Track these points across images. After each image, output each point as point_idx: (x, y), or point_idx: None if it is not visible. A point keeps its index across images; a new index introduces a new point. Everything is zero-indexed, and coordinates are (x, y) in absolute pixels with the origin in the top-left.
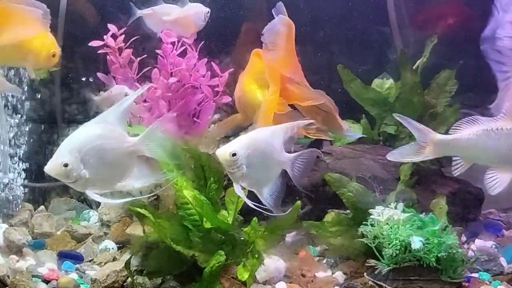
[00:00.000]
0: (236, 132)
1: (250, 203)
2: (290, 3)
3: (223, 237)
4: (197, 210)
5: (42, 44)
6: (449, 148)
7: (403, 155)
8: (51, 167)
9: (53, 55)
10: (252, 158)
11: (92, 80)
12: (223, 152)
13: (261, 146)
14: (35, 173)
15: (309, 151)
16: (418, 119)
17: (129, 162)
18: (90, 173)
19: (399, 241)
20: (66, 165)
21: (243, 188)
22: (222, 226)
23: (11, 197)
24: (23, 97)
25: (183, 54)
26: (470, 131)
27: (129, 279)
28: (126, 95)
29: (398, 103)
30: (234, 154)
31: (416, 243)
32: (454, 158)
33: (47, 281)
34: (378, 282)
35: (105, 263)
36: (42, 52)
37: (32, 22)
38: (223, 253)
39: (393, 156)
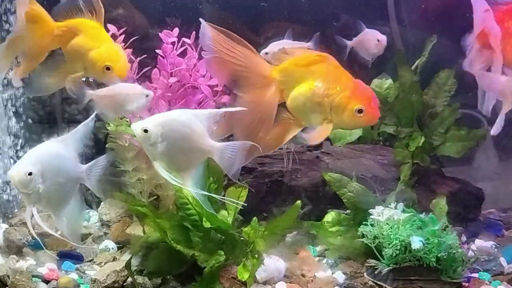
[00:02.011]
0: None
1: (170, 179)
2: (290, 3)
3: (223, 237)
4: (196, 210)
5: (99, 55)
6: None
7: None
8: (16, 173)
9: (107, 69)
10: (167, 138)
11: (92, 80)
12: (136, 127)
13: (177, 127)
14: None
15: (241, 143)
16: (417, 118)
17: (74, 188)
18: (43, 189)
19: (399, 241)
20: (30, 174)
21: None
22: (222, 226)
23: (10, 197)
24: (23, 97)
25: (183, 54)
26: None
27: (129, 279)
28: (147, 96)
29: (398, 103)
30: (146, 131)
31: (416, 243)
32: None
33: (47, 281)
34: (378, 282)
35: (105, 263)
36: (96, 64)
37: (98, 32)
38: (223, 253)
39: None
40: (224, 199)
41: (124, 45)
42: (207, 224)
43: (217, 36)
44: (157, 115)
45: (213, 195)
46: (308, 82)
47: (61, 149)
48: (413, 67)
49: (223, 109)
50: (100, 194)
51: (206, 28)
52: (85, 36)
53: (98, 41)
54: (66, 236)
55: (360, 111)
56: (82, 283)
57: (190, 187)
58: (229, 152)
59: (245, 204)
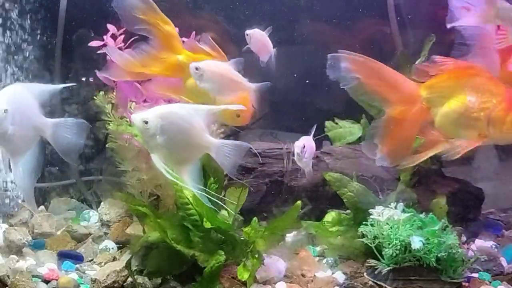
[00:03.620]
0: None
1: (167, 174)
2: (290, 3)
3: (223, 237)
4: (197, 210)
5: (230, 103)
6: None
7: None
8: None
9: (237, 116)
10: (166, 131)
11: (92, 80)
12: (136, 117)
13: (177, 121)
14: None
15: (240, 143)
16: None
17: (36, 137)
18: (12, 129)
19: (399, 241)
20: (5, 111)
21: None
22: (222, 226)
23: (11, 197)
24: None
25: None
26: None
27: (129, 279)
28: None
29: None
30: (146, 122)
31: (416, 243)
32: None
33: (47, 281)
34: (378, 282)
35: (105, 263)
36: (227, 110)
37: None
38: (223, 253)
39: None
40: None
41: (124, 45)
42: (207, 225)
43: (357, 61)
44: (158, 107)
45: (208, 191)
46: (459, 97)
47: (29, 95)
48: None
49: (223, 106)
50: (68, 159)
51: (340, 59)
52: None
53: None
54: (19, 187)
55: None
56: (82, 283)
57: (186, 182)
58: (226, 150)
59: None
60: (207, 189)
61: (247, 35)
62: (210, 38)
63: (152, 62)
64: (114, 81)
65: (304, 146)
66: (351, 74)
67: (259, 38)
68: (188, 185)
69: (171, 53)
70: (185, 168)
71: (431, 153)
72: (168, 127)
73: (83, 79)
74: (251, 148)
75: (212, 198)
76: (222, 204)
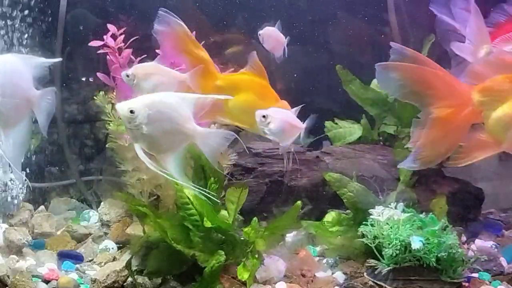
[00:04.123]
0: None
1: (149, 165)
2: (290, 3)
3: (223, 236)
4: (197, 209)
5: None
6: None
7: None
8: None
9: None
10: (153, 120)
11: (92, 80)
12: (122, 107)
13: (165, 110)
14: (36, 173)
15: (225, 132)
16: (417, 118)
17: (26, 109)
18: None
19: (399, 241)
20: None
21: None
22: (222, 225)
23: (10, 197)
24: None
25: None
26: None
27: (129, 279)
28: None
29: (398, 103)
30: (132, 111)
31: (416, 243)
32: None
33: (47, 281)
34: (378, 282)
35: (105, 263)
36: (253, 120)
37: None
38: (223, 253)
39: None
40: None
41: (124, 45)
42: (208, 224)
43: (406, 69)
44: (144, 96)
45: (200, 189)
46: None
47: (22, 66)
48: None
49: (211, 96)
50: (43, 130)
51: (389, 68)
52: (252, 93)
53: (265, 99)
54: (8, 159)
55: None
56: (82, 283)
57: (170, 171)
58: (211, 139)
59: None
60: (197, 185)
61: (259, 35)
62: (257, 59)
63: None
64: (114, 81)
65: (265, 116)
66: (400, 82)
67: (271, 35)
68: (172, 175)
69: (209, 79)
70: (170, 157)
71: (481, 157)
72: (155, 116)
73: (83, 79)
74: (251, 148)
75: (196, 187)
76: (206, 193)
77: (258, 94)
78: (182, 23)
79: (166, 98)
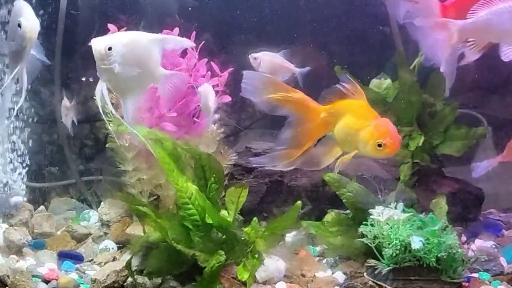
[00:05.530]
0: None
1: (105, 104)
2: (290, 3)
3: (223, 236)
4: (199, 205)
5: (369, 134)
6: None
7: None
8: None
9: (379, 145)
10: (127, 59)
11: (92, 80)
12: (99, 43)
13: (140, 50)
14: (35, 173)
15: (181, 74)
16: (417, 118)
17: None
18: None
19: (399, 241)
20: None
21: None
22: (223, 223)
23: (10, 197)
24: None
25: (183, 54)
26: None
27: (129, 279)
28: None
29: (397, 102)
30: (110, 48)
31: (416, 243)
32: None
33: (47, 281)
34: (378, 282)
35: (105, 263)
36: (368, 142)
37: (365, 110)
38: (223, 253)
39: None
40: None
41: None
42: (209, 220)
43: None
44: (119, 34)
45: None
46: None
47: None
48: (411, 67)
49: (173, 37)
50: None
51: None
52: (352, 116)
53: (366, 119)
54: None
55: None
56: (82, 283)
57: (127, 114)
58: (170, 83)
59: None
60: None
61: (254, 58)
62: (349, 77)
63: (307, 135)
64: None
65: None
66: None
67: (270, 61)
68: (128, 116)
69: (313, 115)
70: (131, 99)
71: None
72: (130, 56)
73: (83, 79)
74: (251, 148)
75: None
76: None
77: (358, 116)
78: (268, 75)
79: (141, 38)
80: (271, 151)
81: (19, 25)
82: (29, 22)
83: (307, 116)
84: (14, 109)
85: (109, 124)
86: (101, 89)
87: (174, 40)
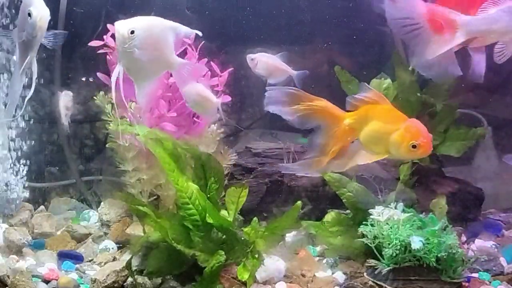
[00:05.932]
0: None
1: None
2: (290, 3)
3: (223, 236)
4: (199, 204)
5: (402, 137)
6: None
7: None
8: None
9: (413, 147)
10: (146, 43)
11: (92, 80)
12: (122, 26)
13: (159, 35)
14: (35, 173)
15: (198, 65)
16: (417, 118)
17: None
18: None
19: (399, 241)
20: None
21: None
22: (224, 223)
23: (10, 197)
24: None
25: (183, 54)
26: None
27: (129, 279)
28: None
29: (396, 102)
30: (132, 32)
31: (416, 243)
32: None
33: (47, 281)
34: (378, 282)
35: (105, 263)
36: (402, 145)
37: (392, 114)
38: (223, 253)
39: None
40: None
41: None
42: (209, 219)
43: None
44: (140, 17)
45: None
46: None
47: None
48: (410, 67)
49: (185, 27)
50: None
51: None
52: (379, 120)
53: (395, 122)
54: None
55: None
56: (82, 283)
57: (142, 97)
58: (184, 71)
59: None
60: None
61: (251, 59)
62: (370, 87)
63: (333, 142)
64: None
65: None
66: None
67: (267, 62)
68: (141, 101)
69: (337, 122)
70: (146, 83)
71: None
72: (150, 41)
73: (83, 79)
74: (251, 148)
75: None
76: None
77: (386, 119)
78: (290, 87)
79: (161, 23)
80: (303, 159)
81: (29, 15)
82: (39, 11)
83: (333, 123)
84: (24, 100)
85: (117, 111)
86: (117, 74)
87: (185, 29)
